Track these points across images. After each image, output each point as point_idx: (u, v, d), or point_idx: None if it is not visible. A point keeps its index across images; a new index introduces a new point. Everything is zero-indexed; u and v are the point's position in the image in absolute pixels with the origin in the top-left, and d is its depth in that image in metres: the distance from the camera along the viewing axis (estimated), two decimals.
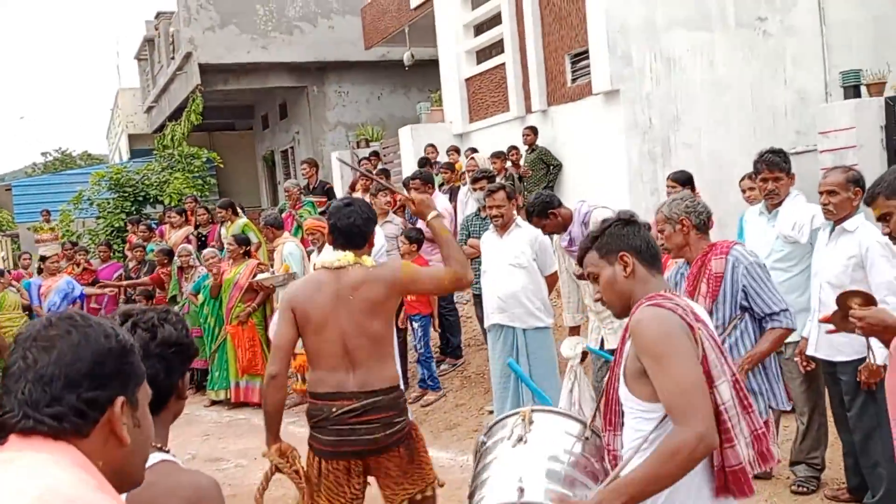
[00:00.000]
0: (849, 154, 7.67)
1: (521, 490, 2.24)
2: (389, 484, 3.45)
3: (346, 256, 3.39)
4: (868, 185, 3.04)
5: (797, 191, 4.79)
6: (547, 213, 5.26)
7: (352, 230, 3.42)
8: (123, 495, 1.76)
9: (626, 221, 2.48)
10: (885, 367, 3.73)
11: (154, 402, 1.83)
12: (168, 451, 1.85)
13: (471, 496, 2.48)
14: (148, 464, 1.78)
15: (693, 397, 2.11)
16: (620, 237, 2.43)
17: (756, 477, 4.76)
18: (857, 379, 3.94)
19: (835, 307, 2.60)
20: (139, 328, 1.82)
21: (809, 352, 4.32)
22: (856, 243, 3.96)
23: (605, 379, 2.49)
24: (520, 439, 2.46)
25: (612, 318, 4.84)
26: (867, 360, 3.48)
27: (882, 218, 2.75)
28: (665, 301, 2.26)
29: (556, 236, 5.56)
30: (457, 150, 11.38)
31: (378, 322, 3.36)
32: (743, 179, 6.17)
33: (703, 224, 3.69)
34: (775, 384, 3.63)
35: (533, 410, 2.57)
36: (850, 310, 2.57)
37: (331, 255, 3.46)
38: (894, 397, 3.01)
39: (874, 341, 2.69)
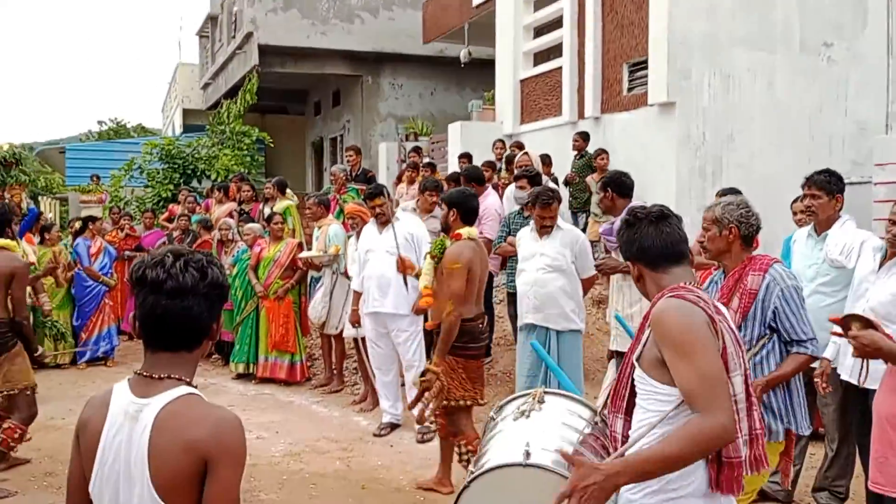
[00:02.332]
0: None
1: (528, 453, 2.25)
2: None
3: (473, 231, 5.10)
4: None
5: (848, 216, 4.69)
6: (606, 188, 5.28)
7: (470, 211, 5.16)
8: (151, 422, 1.81)
9: (627, 224, 2.53)
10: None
11: (194, 338, 1.88)
12: (195, 386, 1.89)
13: (476, 462, 2.50)
14: (174, 396, 1.82)
15: (718, 388, 2.17)
16: (626, 244, 2.53)
17: (777, 500, 4.72)
18: None
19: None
20: (191, 267, 1.86)
21: (844, 376, 4.22)
22: None
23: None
24: (525, 414, 2.49)
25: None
26: (860, 375, 3.40)
27: None
28: (688, 293, 2.30)
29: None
30: (504, 145, 11.36)
31: None
32: (795, 202, 6.06)
33: (750, 237, 3.59)
34: (798, 408, 3.53)
35: (545, 392, 2.60)
36: (849, 330, 2.58)
37: (469, 231, 5.04)
38: (883, 412, 2.98)
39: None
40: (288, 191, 10.08)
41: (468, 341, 4.94)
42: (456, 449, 5.06)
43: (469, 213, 5.14)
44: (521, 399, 2.65)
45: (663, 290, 2.36)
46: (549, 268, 5.63)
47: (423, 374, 4.92)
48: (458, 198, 5.18)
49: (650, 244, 2.45)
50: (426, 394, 4.80)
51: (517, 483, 2.26)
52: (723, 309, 2.40)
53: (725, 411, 2.14)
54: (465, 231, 5.06)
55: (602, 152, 9.77)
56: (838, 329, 3.08)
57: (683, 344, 2.20)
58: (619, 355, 4.67)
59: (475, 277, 4.95)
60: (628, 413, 2.42)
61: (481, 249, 5.14)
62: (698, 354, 2.18)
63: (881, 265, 4.00)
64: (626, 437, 2.41)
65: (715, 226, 3.54)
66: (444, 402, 4.83)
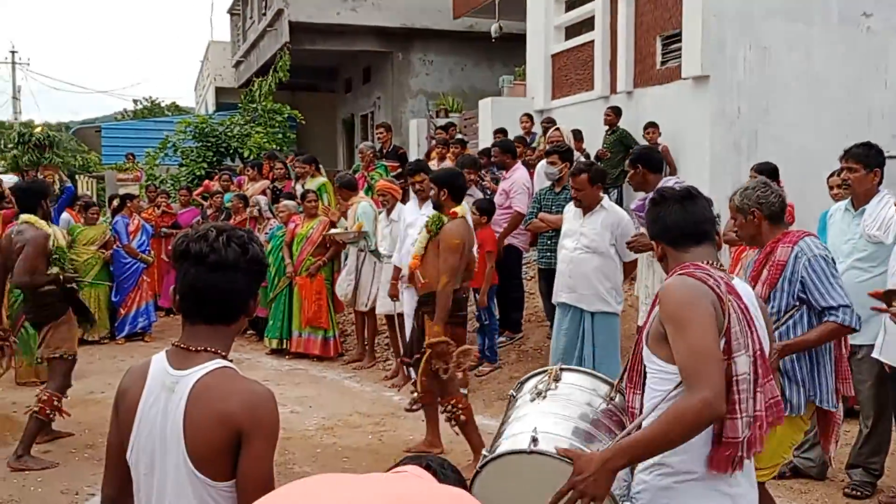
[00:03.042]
0: None
1: (535, 440, 2.28)
2: None
3: (465, 208, 5.47)
4: None
5: (887, 190, 4.61)
6: (636, 165, 5.23)
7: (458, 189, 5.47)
8: (186, 393, 1.86)
9: (654, 203, 2.53)
10: None
11: (233, 312, 1.93)
12: (231, 361, 1.93)
13: (491, 444, 2.54)
14: (209, 369, 1.87)
15: (704, 363, 2.14)
16: (652, 222, 2.54)
17: (810, 477, 4.69)
18: None
19: None
20: (233, 242, 1.90)
21: (874, 354, 4.17)
22: None
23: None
24: (542, 395, 2.52)
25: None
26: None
27: None
28: (697, 270, 2.31)
29: None
30: (530, 119, 11.28)
31: None
32: (831, 176, 5.97)
33: (776, 214, 3.56)
34: (824, 380, 3.49)
35: (562, 369, 2.62)
36: (892, 305, 2.55)
37: (461, 209, 5.35)
38: None
39: None
40: (320, 168, 10.13)
41: (456, 310, 5.30)
42: (445, 409, 5.29)
43: (458, 191, 5.45)
44: (538, 377, 2.67)
45: (675, 269, 2.38)
46: (586, 248, 5.56)
47: (430, 346, 5.17)
48: (445, 177, 5.50)
49: (673, 223, 2.46)
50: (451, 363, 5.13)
51: (525, 469, 2.29)
52: (740, 288, 2.39)
53: (711, 386, 2.11)
54: (459, 209, 5.36)
55: (651, 125, 9.61)
56: (879, 304, 3.04)
57: (681, 318, 2.21)
58: None
59: (466, 253, 5.32)
60: (645, 389, 2.42)
61: (470, 227, 5.51)
62: (692, 328, 2.18)
63: None
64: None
65: (739, 214, 3.60)
66: (442, 365, 5.15)
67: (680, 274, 2.33)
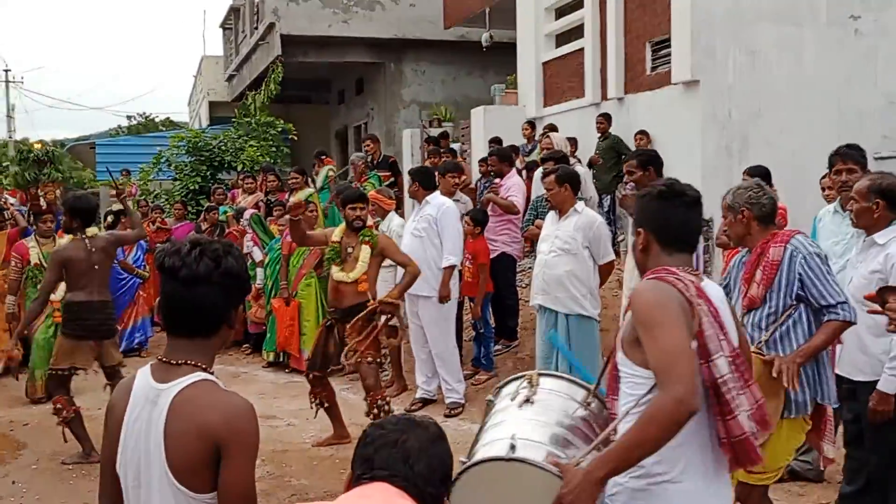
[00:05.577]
0: None
1: (513, 447, 2.27)
2: None
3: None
4: None
5: None
6: (647, 167, 5.20)
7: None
8: (167, 406, 1.88)
9: (661, 195, 2.49)
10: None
11: (209, 326, 1.93)
12: (212, 373, 1.94)
13: (469, 451, 2.53)
14: (189, 381, 1.89)
15: (675, 363, 2.13)
16: (645, 211, 2.50)
17: (807, 479, 4.69)
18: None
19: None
20: (206, 256, 1.92)
21: (837, 370, 4.15)
22: (882, 258, 3.72)
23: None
24: (524, 399, 2.52)
25: None
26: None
27: None
28: (667, 275, 2.31)
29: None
30: (532, 127, 11.33)
31: None
32: (823, 178, 5.98)
33: (766, 216, 3.58)
34: (825, 378, 3.50)
35: (540, 374, 2.62)
36: (886, 303, 2.54)
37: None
38: None
39: None
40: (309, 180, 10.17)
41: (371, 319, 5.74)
42: (373, 407, 5.59)
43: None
44: (516, 382, 2.66)
45: (648, 272, 2.38)
46: (559, 250, 5.68)
47: (379, 309, 5.62)
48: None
49: (677, 223, 2.45)
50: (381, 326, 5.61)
51: (503, 476, 2.26)
52: (710, 291, 2.39)
53: (683, 384, 2.09)
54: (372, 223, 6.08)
55: (641, 133, 9.67)
56: (874, 306, 3.04)
57: (652, 320, 2.21)
58: None
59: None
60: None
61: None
62: (662, 329, 2.18)
63: None
64: None
65: (730, 213, 3.62)
66: (360, 360, 5.57)
67: (650, 278, 2.34)
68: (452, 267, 6.57)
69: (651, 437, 2.10)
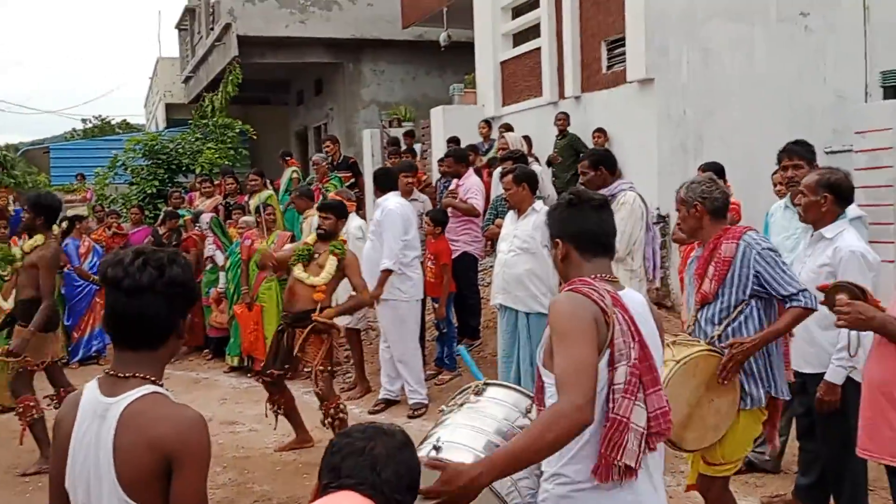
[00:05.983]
0: (884, 156, 7.53)
1: (437, 448, 2.34)
2: None
3: None
4: None
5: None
6: (598, 167, 5.27)
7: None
8: (115, 420, 1.86)
9: (570, 203, 2.53)
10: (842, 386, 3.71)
11: (155, 337, 1.90)
12: (161, 385, 1.91)
13: None
14: (138, 395, 1.86)
15: (577, 373, 2.15)
16: (558, 222, 2.53)
17: (764, 471, 4.78)
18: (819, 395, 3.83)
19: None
20: (149, 266, 1.88)
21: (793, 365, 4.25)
22: (831, 252, 3.81)
23: None
24: (464, 406, 2.57)
25: None
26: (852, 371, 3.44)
27: None
28: (582, 286, 2.34)
29: None
30: (488, 125, 11.36)
31: None
32: (774, 174, 6.10)
33: (718, 210, 3.65)
34: (777, 371, 3.59)
35: (486, 383, 2.67)
36: (834, 302, 2.59)
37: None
38: (872, 380, 3.03)
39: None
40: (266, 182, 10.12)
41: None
42: (328, 416, 5.64)
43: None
44: (463, 392, 2.73)
45: (565, 285, 2.41)
46: (518, 250, 5.73)
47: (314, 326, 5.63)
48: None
49: (588, 229, 2.48)
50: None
51: (427, 480, 2.28)
52: (628, 299, 2.40)
53: (583, 394, 2.12)
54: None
55: (599, 131, 9.76)
56: (824, 290, 3.11)
57: (562, 331, 2.24)
58: None
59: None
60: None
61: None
62: (570, 340, 2.20)
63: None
64: None
65: (683, 206, 3.67)
66: (321, 369, 5.63)
67: (566, 290, 2.37)
68: (389, 271, 6.50)
69: (544, 443, 2.10)
